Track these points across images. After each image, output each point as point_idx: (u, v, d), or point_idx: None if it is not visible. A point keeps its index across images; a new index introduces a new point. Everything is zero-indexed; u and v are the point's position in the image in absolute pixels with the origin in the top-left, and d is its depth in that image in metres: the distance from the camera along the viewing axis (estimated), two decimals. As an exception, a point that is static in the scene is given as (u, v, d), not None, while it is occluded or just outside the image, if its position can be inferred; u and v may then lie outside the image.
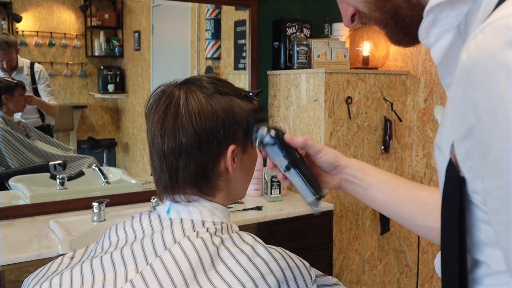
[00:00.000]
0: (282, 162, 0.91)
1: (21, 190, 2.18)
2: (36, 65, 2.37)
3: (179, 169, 0.87)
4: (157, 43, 2.71)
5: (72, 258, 0.93)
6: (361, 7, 0.70)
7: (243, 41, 2.60)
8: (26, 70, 2.34)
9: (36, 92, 2.37)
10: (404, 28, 0.68)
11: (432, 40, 0.63)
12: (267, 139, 0.90)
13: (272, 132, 0.90)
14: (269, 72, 2.64)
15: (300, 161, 0.92)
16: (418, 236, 2.63)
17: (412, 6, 0.65)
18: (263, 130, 0.90)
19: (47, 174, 2.27)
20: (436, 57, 0.64)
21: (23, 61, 2.34)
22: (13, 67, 2.30)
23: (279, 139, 0.90)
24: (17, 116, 2.32)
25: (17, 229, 1.87)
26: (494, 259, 0.58)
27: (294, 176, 0.91)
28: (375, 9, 0.68)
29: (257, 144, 0.90)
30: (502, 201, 0.51)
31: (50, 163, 2.27)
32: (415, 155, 2.59)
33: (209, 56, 2.73)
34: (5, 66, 2.27)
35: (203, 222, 0.87)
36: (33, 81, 2.36)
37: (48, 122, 2.44)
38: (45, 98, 2.38)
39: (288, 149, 0.91)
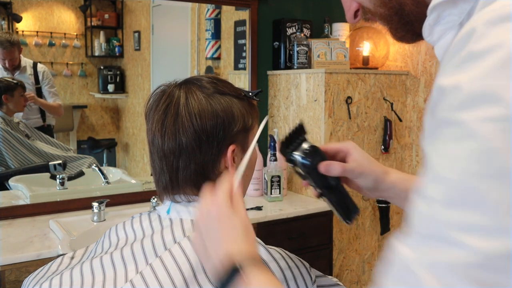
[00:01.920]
0: (315, 188, 0.89)
1: (21, 190, 2.18)
2: (39, 65, 2.37)
3: (179, 169, 0.87)
4: (157, 43, 2.71)
5: (72, 258, 0.93)
6: (366, 3, 0.71)
7: (243, 41, 2.60)
8: (29, 70, 2.34)
9: (39, 92, 2.37)
10: (407, 24, 0.69)
11: (436, 37, 0.64)
12: (300, 171, 0.87)
13: (306, 162, 0.86)
14: (269, 72, 2.64)
15: (333, 188, 0.89)
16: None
17: (416, 3, 0.66)
18: (297, 157, 0.87)
19: (47, 174, 2.27)
20: (439, 54, 0.65)
21: (26, 61, 2.35)
22: (15, 67, 2.30)
23: (314, 166, 0.86)
24: (18, 116, 2.32)
25: (17, 229, 1.87)
26: None
27: (326, 201, 0.89)
28: (380, 5, 0.69)
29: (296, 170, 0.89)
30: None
31: (50, 163, 2.27)
32: (415, 155, 2.59)
33: (209, 56, 2.73)
34: (7, 65, 2.27)
35: (203, 222, 0.87)
36: (36, 81, 2.36)
37: (48, 122, 2.44)
38: (50, 99, 2.39)
39: (321, 177, 0.87)
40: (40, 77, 2.36)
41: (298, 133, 0.89)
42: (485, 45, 0.48)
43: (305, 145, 0.87)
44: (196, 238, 0.73)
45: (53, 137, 2.43)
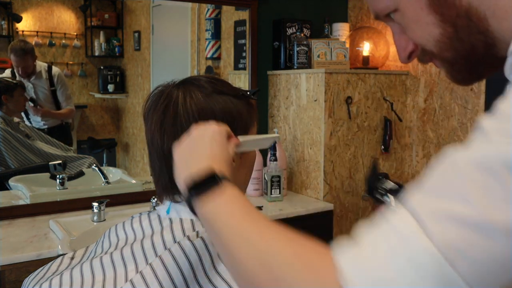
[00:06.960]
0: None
1: (21, 190, 2.18)
2: (54, 69, 2.40)
3: (178, 169, 0.86)
4: (157, 43, 2.71)
5: (72, 258, 0.93)
6: (429, 46, 0.64)
7: (243, 41, 2.60)
8: (45, 74, 2.36)
9: (54, 95, 2.39)
10: (472, 67, 0.65)
11: None
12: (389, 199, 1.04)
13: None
14: (269, 72, 2.64)
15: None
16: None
17: (488, 46, 0.62)
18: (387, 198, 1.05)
19: (47, 174, 2.27)
20: None
21: (41, 65, 2.36)
22: (29, 73, 2.32)
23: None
24: (37, 119, 2.35)
25: (17, 229, 1.87)
26: None
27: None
28: (447, 49, 0.64)
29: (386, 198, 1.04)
30: None
31: (50, 163, 2.27)
32: (415, 155, 2.59)
33: (209, 56, 2.73)
34: (20, 72, 2.29)
35: (202, 222, 0.87)
36: (51, 84, 2.38)
37: (66, 121, 2.50)
38: (63, 102, 2.42)
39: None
40: (55, 80, 2.38)
41: (374, 172, 1.04)
42: None
43: (388, 185, 1.04)
44: (183, 144, 0.77)
45: (70, 135, 2.46)
